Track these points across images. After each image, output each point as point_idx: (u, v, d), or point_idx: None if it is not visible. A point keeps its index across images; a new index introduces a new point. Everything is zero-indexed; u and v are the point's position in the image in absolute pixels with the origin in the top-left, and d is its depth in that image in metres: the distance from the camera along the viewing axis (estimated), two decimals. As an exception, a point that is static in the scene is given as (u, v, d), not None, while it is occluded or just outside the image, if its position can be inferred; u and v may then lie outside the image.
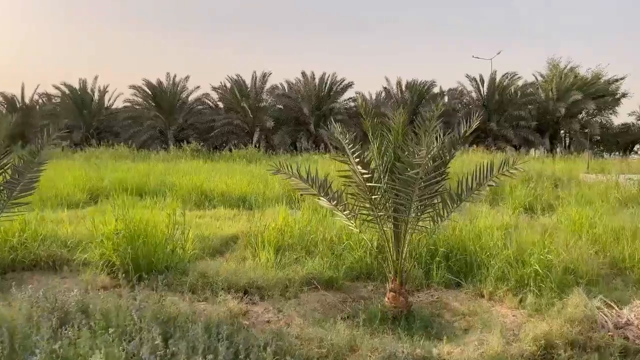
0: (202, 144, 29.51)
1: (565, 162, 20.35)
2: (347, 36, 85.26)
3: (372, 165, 4.76)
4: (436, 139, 4.58)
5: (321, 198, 4.95)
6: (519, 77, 36.18)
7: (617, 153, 38.97)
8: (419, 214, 4.67)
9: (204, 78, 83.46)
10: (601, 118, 39.05)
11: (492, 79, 36.01)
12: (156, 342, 2.97)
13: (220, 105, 37.63)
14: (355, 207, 4.89)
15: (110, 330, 3.14)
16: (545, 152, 34.92)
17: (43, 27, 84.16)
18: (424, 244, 5.95)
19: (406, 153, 4.54)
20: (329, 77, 35.88)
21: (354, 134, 4.86)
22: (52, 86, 38.17)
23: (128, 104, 36.68)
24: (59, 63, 74.31)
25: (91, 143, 29.66)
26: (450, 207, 4.69)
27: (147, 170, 15.01)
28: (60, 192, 10.65)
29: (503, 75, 36.08)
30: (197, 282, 5.12)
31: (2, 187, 5.08)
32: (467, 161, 15.66)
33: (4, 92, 37.04)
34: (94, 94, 36.81)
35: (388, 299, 4.77)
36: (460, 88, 37.59)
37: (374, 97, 37.70)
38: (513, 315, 4.66)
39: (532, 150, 36.14)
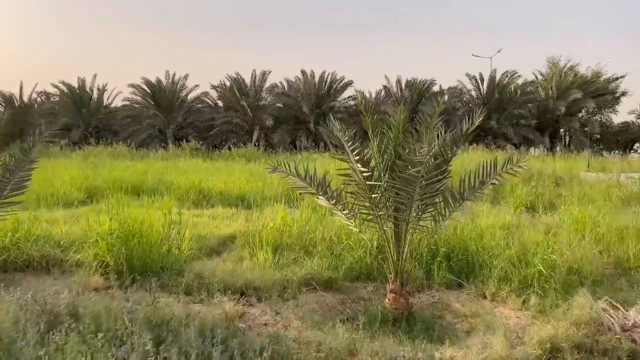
0: (201, 142, 29.39)
1: (566, 161, 20.24)
2: (346, 35, 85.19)
3: (372, 164, 4.65)
4: (437, 136, 4.46)
5: (320, 197, 4.83)
6: (518, 76, 36.09)
7: (617, 151, 38.85)
8: (420, 213, 4.55)
9: (203, 77, 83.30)
10: (601, 116, 38.92)
11: (492, 78, 35.88)
12: (147, 348, 2.84)
13: (220, 103, 37.43)
14: (354, 206, 4.77)
15: (100, 334, 3.01)
16: (545, 150, 34.82)
17: (42, 26, 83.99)
18: (424, 243, 5.83)
19: (407, 151, 4.42)
20: (328, 75, 35.75)
21: (354, 131, 4.74)
22: (50, 85, 38.04)
23: (127, 102, 36.47)
24: (57, 62, 74.10)
25: (90, 142, 29.48)
26: (452, 206, 4.57)
27: (145, 169, 14.91)
28: (57, 191, 10.53)
29: (503, 74, 35.97)
30: (193, 283, 5.01)
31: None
32: (468, 160, 15.51)
33: (2, 91, 36.84)
34: (92, 93, 36.63)
35: (388, 300, 4.65)
36: (460, 86, 37.49)
37: (373, 95, 37.60)
38: (516, 317, 4.55)
39: (532, 149, 36.01)
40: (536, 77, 38.93)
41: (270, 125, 32.20)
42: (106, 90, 37.03)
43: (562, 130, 38.37)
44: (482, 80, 36.43)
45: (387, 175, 4.58)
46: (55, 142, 28.42)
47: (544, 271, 5.00)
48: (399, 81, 37.48)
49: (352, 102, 35.41)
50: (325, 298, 5.04)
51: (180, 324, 3.50)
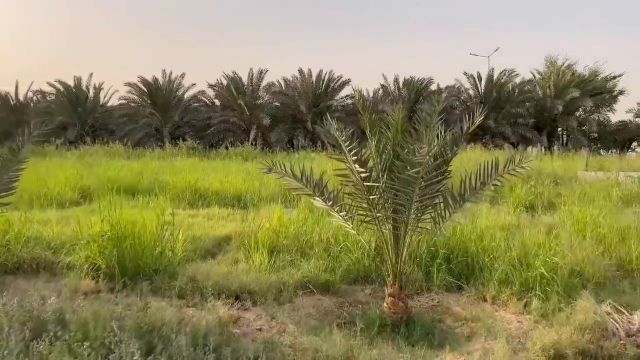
0: (198, 141, 29.25)
1: (564, 160, 20.18)
2: (344, 34, 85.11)
3: (370, 164, 4.51)
4: (437, 136, 4.34)
5: (316, 198, 4.70)
6: (516, 75, 36.10)
7: (614, 150, 38.89)
8: (419, 214, 4.43)
9: (200, 75, 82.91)
10: (599, 115, 38.97)
11: (490, 76, 35.86)
12: (135, 358, 2.72)
13: (217, 102, 37.28)
14: (352, 207, 4.64)
15: (87, 343, 2.88)
16: (543, 149, 34.79)
17: (38, 24, 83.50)
18: (424, 245, 5.71)
19: (406, 151, 4.30)
20: (326, 74, 35.65)
21: (351, 130, 4.61)
22: (46, 83, 37.76)
23: (123, 101, 36.31)
24: (53, 60, 73.76)
25: (86, 141, 29.28)
26: (453, 207, 4.45)
27: (140, 169, 14.76)
28: (50, 191, 10.39)
29: (500, 73, 35.99)
30: (186, 287, 4.87)
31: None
32: (466, 159, 15.41)
33: (-2, 90, 36.61)
34: (88, 91, 36.43)
35: (387, 304, 4.53)
36: (457, 85, 37.45)
37: (371, 94, 37.52)
38: (518, 321, 4.44)
39: (529, 148, 35.97)
40: (534, 75, 39.00)
41: (268, 124, 32.07)
42: (102, 89, 36.90)
43: (559, 129, 38.40)
44: (479, 79, 36.44)
45: (385, 176, 4.45)
46: (51, 141, 28.16)
47: (546, 274, 4.89)
48: (396, 80, 37.48)
49: (349, 101, 35.34)
50: (322, 301, 4.91)
51: (172, 330, 3.37)
